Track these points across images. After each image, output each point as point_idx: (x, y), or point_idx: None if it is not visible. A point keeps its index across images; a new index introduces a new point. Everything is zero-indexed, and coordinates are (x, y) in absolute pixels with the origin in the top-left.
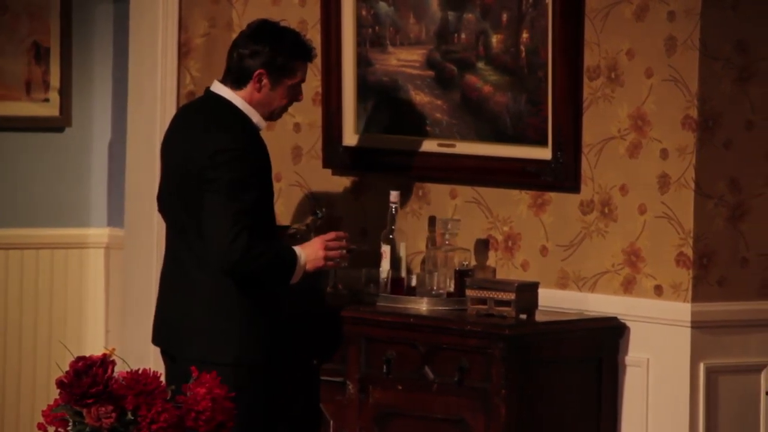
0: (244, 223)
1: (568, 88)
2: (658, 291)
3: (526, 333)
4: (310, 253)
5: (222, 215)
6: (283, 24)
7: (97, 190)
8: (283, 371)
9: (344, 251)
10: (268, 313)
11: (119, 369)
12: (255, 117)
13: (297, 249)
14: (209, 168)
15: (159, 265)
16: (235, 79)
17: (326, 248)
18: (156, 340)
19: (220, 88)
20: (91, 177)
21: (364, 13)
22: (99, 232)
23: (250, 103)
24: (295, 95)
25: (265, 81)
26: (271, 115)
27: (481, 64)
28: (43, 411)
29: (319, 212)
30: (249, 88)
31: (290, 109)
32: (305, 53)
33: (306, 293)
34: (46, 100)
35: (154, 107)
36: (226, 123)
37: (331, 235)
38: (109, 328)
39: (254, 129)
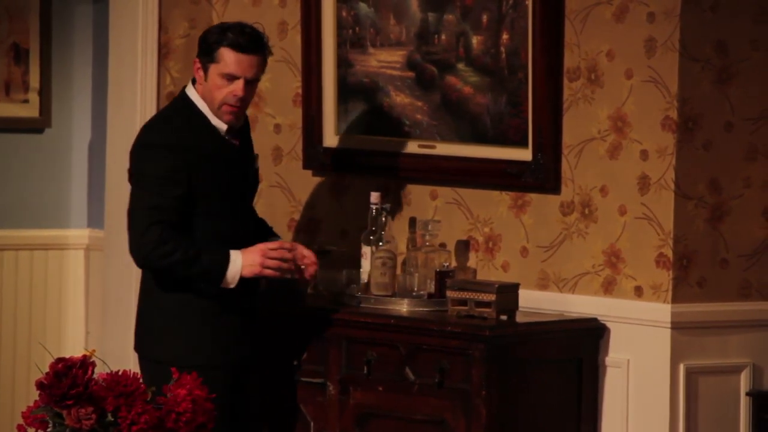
0: (158, 217)
1: (548, 89)
2: (639, 292)
3: (507, 334)
4: (247, 258)
5: (138, 208)
6: (255, 25)
7: (77, 191)
8: (254, 372)
9: (287, 263)
10: (221, 314)
11: (99, 370)
12: (215, 119)
13: (233, 253)
14: (136, 161)
15: None
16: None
17: (265, 256)
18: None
19: (188, 87)
20: (71, 178)
21: (344, 14)
22: (79, 234)
23: (204, 99)
24: (230, 89)
25: (198, 69)
26: (218, 111)
27: (461, 66)
28: (23, 412)
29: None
30: (198, 82)
31: (270, 110)
32: (229, 41)
33: (283, 294)
34: (26, 101)
35: (134, 108)
36: (165, 118)
37: (274, 244)
38: (89, 330)
39: (207, 128)
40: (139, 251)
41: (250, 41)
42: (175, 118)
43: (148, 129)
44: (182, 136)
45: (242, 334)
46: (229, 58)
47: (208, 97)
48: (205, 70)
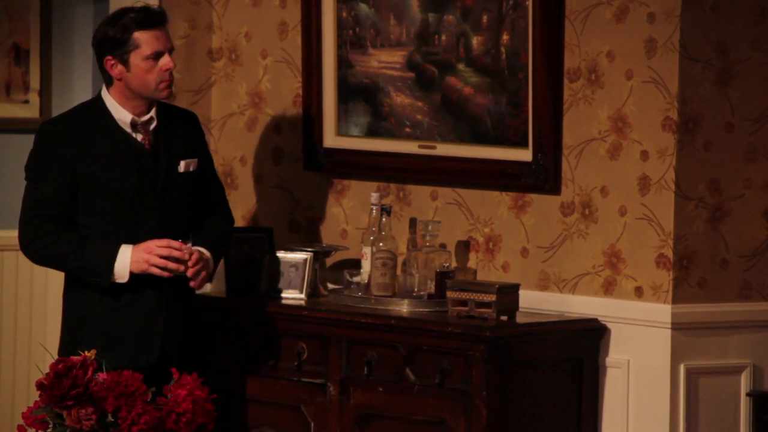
0: (39, 210)
1: (549, 89)
2: (639, 292)
3: (507, 335)
4: (135, 254)
5: (24, 201)
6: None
7: None
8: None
9: (175, 263)
10: (124, 315)
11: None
12: (118, 113)
13: (124, 247)
14: (29, 154)
15: None
16: (104, 79)
17: (152, 253)
18: None
19: (102, 90)
20: None
21: (344, 14)
22: None
23: (131, 90)
24: (160, 66)
25: (114, 66)
26: (156, 92)
27: (461, 66)
28: (23, 413)
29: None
30: (113, 82)
31: (271, 111)
32: (138, 23)
33: (284, 296)
34: (26, 101)
35: None
36: (65, 114)
37: (162, 242)
38: None
39: (108, 125)
40: (20, 245)
41: (156, 15)
42: (76, 113)
43: (44, 123)
44: (74, 130)
45: (149, 336)
46: (147, 39)
47: (138, 85)
48: (125, 62)
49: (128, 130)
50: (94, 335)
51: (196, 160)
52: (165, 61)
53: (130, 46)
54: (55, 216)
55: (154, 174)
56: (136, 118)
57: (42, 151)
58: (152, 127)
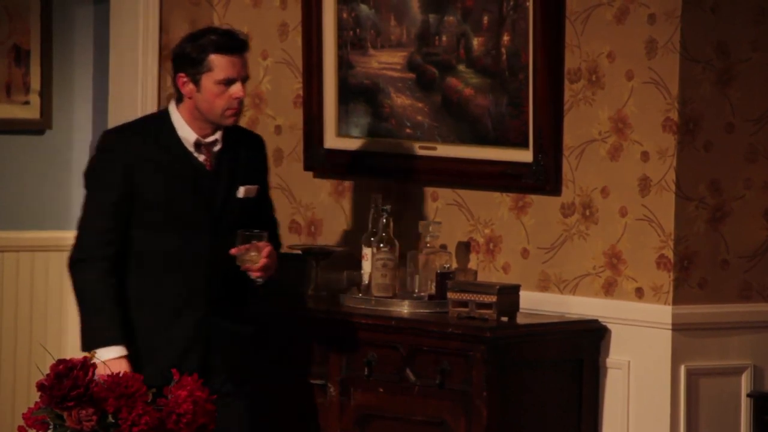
0: (97, 227)
1: (549, 90)
2: (639, 293)
3: (508, 335)
4: (118, 364)
5: (83, 208)
6: (224, 26)
7: (77, 192)
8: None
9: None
10: (161, 333)
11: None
12: (183, 131)
13: (115, 349)
14: (88, 163)
15: None
16: (175, 94)
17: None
18: None
19: (170, 105)
20: (71, 179)
21: (345, 15)
22: None
23: (199, 111)
24: (230, 93)
25: (186, 84)
26: (222, 117)
27: (461, 67)
28: (23, 414)
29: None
30: (184, 99)
31: (271, 112)
32: (217, 46)
33: (285, 297)
34: (27, 102)
35: (135, 110)
36: (127, 124)
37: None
38: None
39: (170, 141)
40: (72, 254)
41: (237, 41)
42: (140, 124)
43: (105, 132)
44: (136, 141)
45: (184, 353)
46: (221, 64)
47: (206, 108)
48: (196, 82)
49: (191, 149)
50: (135, 351)
51: (256, 187)
52: (236, 89)
53: (204, 67)
54: (112, 229)
55: (212, 196)
56: (200, 138)
57: (101, 160)
58: (216, 149)
